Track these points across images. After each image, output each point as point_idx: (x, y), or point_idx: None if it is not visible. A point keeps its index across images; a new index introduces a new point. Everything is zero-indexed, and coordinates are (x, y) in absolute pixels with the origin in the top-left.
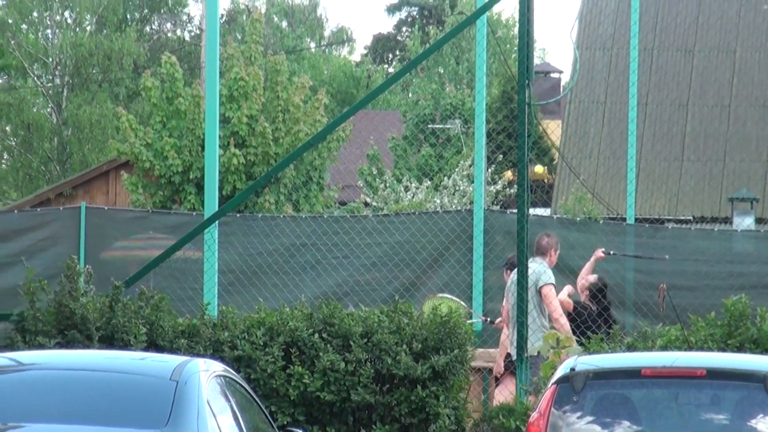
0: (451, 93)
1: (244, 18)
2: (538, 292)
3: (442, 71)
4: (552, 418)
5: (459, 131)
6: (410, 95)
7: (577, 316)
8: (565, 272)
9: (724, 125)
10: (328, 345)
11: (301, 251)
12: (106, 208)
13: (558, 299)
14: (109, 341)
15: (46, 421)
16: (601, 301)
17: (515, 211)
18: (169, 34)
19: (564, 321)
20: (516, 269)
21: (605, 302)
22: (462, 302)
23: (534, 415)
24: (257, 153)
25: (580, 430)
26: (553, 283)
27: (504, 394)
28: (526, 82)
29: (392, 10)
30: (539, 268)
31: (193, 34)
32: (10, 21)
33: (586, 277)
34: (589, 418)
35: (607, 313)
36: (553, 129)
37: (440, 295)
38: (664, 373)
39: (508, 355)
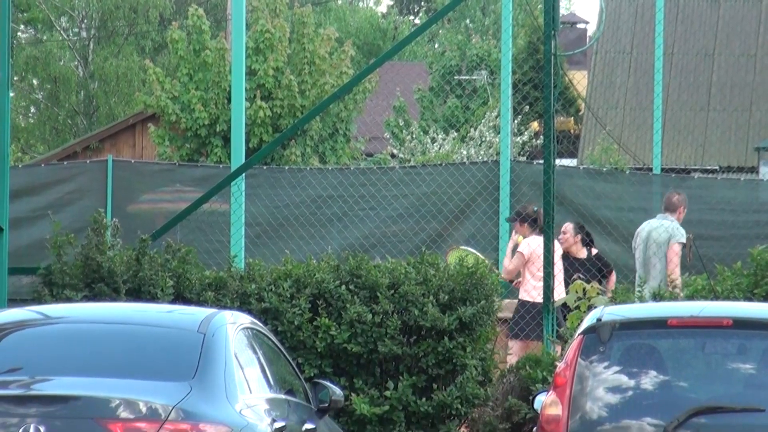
0: (477, 44)
1: None
2: (668, 246)
3: (468, 22)
4: (578, 368)
5: (485, 82)
6: (436, 46)
7: (570, 267)
8: (591, 223)
9: (750, 75)
10: (355, 297)
11: (328, 203)
12: (132, 161)
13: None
14: (136, 294)
15: (73, 374)
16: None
17: (542, 162)
18: None
19: (678, 281)
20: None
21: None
22: (483, 257)
23: (560, 366)
24: (283, 105)
25: (606, 380)
26: (683, 242)
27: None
28: (552, 32)
29: None
30: (672, 225)
31: None
32: None
33: (565, 227)
34: (616, 369)
35: (599, 259)
36: (579, 80)
37: (462, 247)
38: (691, 323)
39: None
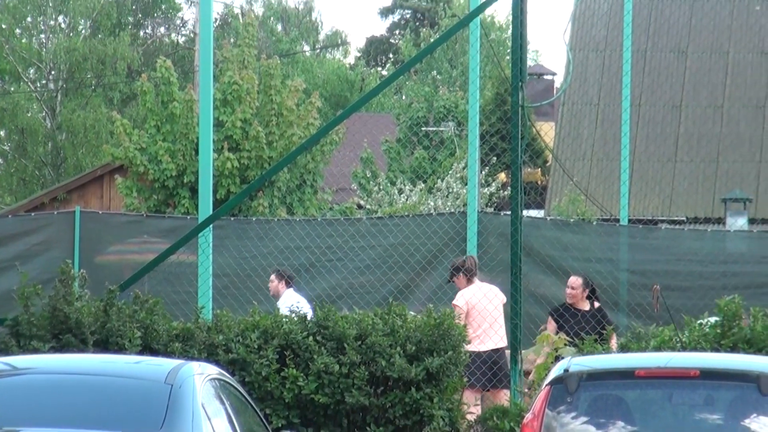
0: (445, 95)
1: (239, 21)
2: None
3: (435, 74)
4: (546, 419)
5: (452, 133)
6: (404, 98)
7: (571, 318)
8: (558, 273)
9: (717, 126)
10: (323, 348)
11: (296, 254)
12: (100, 212)
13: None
14: (104, 345)
15: (41, 426)
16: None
17: (509, 213)
18: (163, 39)
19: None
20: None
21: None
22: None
23: (528, 416)
24: (251, 156)
25: (574, 430)
26: None
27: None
28: (520, 84)
29: (385, 12)
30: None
31: (186, 38)
32: (3, 26)
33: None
34: (584, 419)
35: (601, 314)
36: (547, 131)
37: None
38: (658, 373)
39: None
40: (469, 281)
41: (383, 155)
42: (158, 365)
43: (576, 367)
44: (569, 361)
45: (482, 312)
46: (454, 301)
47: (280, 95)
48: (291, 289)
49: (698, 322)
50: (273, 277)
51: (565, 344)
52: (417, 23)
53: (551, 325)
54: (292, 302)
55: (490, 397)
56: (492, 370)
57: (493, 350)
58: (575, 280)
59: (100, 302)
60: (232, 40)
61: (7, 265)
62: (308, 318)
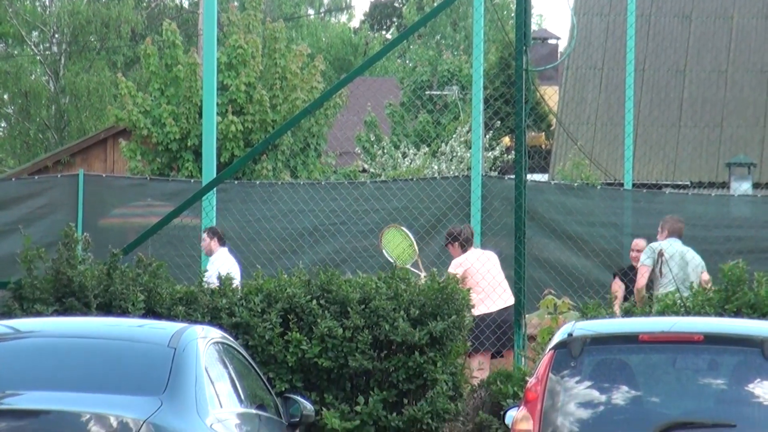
0: (448, 59)
1: None
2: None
3: (439, 38)
4: (549, 383)
5: (456, 97)
6: (408, 62)
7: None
8: (563, 237)
9: (721, 91)
10: (326, 311)
11: (299, 218)
12: (104, 175)
13: None
14: (107, 308)
15: (44, 389)
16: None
17: (513, 177)
18: (167, 1)
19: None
20: None
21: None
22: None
23: (531, 381)
24: (255, 120)
25: (577, 395)
26: None
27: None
28: (524, 48)
29: None
30: (697, 256)
31: (190, 1)
32: None
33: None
34: (587, 384)
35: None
36: (551, 95)
37: (394, 226)
38: (662, 338)
39: None
40: (464, 250)
41: (387, 119)
42: (161, 329)
43: (580, 331)
44: (573, 325)
45: (482, 274)
46: (449, 269)
47: (285, 59)
48: (225, 248)
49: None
50: (205, 235)
51: (569, 308)
52: None
53: (617, 285)
54: (224, 261)
55: (502, 362)
56: (502, 329)
57: (503, 309)
58: (639, 243)
59: (103, 265)
60: (236, 3)
61: (10, 228)
62: (235, 282)
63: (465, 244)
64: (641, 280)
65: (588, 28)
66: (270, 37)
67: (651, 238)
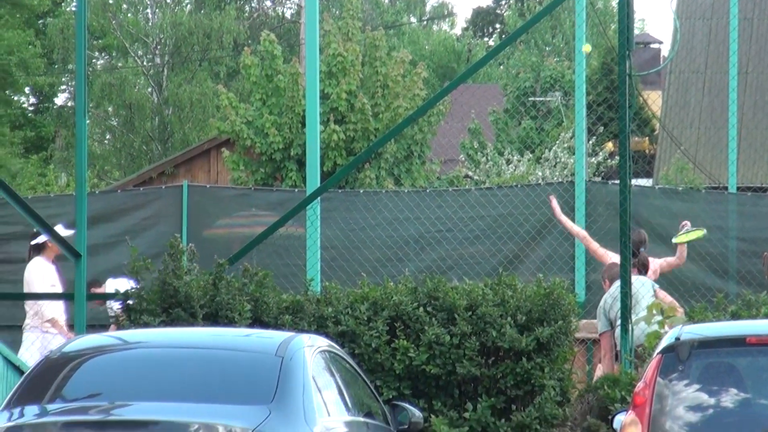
0: (551, 65)
1: None
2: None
3: (540, 43)
4: (658, 387)
5: (559, 103)
6: (510, 68)
7: None
8: (668, 242)
9: None
10: (433, 318)
11: (404, 225)
12: (208, 186)
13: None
14: (214, 319)
15: (152, 399)
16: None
17: (617, 182)
18: (269, 12)
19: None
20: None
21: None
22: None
23: (639, 385)
24: (357, 129)
25: (686, 399)
26: None
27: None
28: (627, 52)
29: None
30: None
31: (292, 11)
32: (110, 1)
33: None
34: (695, 387)
35: None
36: (654, 99)
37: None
38: None
39: None
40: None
41: (491, 126)
42: (268, 338)
43: (687, 335)
44: (680, 329)
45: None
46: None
47: (386, 67)
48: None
49: None
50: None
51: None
52: None
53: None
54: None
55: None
56: None
57: None
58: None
59: (209, 276)
60: (336, 12)
61: (117, 239)
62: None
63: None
64: None
65: (690, 33)
66: (370, 45)
67: (757, 242)
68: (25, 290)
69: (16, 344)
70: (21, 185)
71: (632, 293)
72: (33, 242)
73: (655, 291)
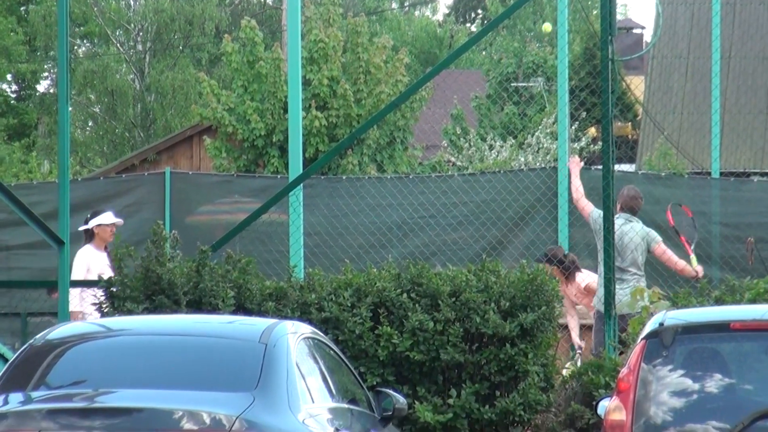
0: (533, 51)
1: None
2: (648, 251)
3: (521, 29)
4: (642, 373)
5: (542, 89)
6: (493, 54)
7: None
8: (651, 227)
9: None
10: (417, 305)
11: (387, 212)
12: (190, 173)
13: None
14: (197, 305)
15: (136, 386)
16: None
17: (600, 167)
18: None
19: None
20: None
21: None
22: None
23: (623, 371)
24: (339, 115)
25: (670, 384)
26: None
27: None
28: (609, 38)
29: None
30: (643, 227)
31: None
32: None
33: None
34: (680, 373)
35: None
36: (637, 84)
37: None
38: (754, 326)
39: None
40: (561, 274)
41: (473, 111)
42: (252, 325)
43: (671, 320)
44: (664, 314)
45: None
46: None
47: (367, 53)
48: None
49: None
50: None
51: (659, 298)
52: None
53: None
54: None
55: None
56: None
57: None
58: None
59: (192, 263)
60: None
61: None
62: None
63: (565, 270)
64: None
65: (673, 18)
66: (352, 32)
67: (740, 227)
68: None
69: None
70: (6, 173)
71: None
72: (81, 228)
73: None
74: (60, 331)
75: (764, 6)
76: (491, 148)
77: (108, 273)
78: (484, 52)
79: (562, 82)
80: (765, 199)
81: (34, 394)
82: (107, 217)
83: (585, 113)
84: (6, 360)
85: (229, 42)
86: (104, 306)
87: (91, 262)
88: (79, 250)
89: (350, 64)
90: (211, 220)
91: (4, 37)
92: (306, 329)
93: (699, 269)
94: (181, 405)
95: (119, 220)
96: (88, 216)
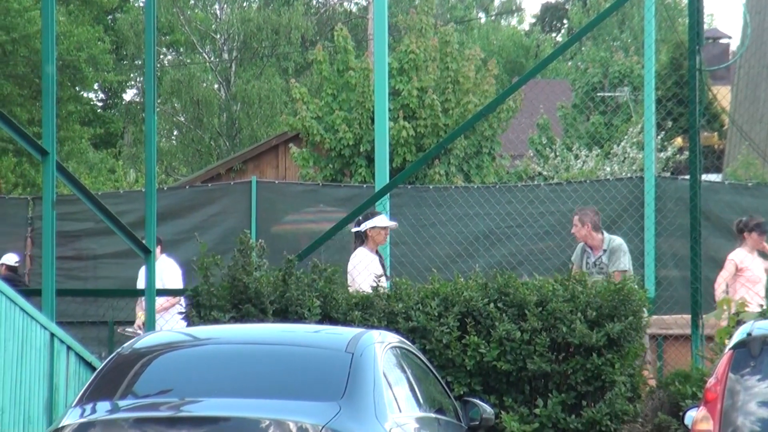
0: (620, 60)
1: None
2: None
3: (607, 38)
4: (729, 383)
5: (628, 98)
6: (579, 64)
7: None
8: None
9: None
10: (504, 314)
11: (474, 221)
12: (276, 182)
13: None
14: (283, 315)
15: (223, 396)
16: None
17: (687, 177)
18: (336, 7)
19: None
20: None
21: None
22: None
23: (711, 381)
24: (426, 125)
25: (758, 394)
26: None
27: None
28: (697, 47)
29: None
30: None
31: (360, 6)
32: None
33: None
34: (767, 383)
35: None
36: (723, 95)
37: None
38: None
39: None
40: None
41: (559, 121)
42: (338, 334)
43: (759, 330)
44: (752, 324)
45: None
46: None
47: (456, 63)
48: (163, 255)
49: None
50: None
51: (746, 308)
52: None
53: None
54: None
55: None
56: None
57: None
58: None
59: (278, 272)
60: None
61: (185, 236)
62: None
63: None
64: None
65: (761, 27)
66: (441, 41)
67: None
68: (349, 281)
69: (86, 341)
70: (95, 180)
71: None
72: (354, 230)
73: None
74: (147, 340)
75: None
76: (577, 157)
77: (381, 275)
78: (570, 62)
79: (649, 92)
80: None
81: (121, 403)
82: (381, 220)
83: (671, 123)
84: (94, 369)
85: (320, 51)
86: (191, 315)
87: (367, 264)
88: (353, 254)
89: (439, 74)
90: (297, 230)
91: (91, 46)
92: (393, 338)
93: None
94: (268, 414)
95: (393, 224)
96: (359, 218)
